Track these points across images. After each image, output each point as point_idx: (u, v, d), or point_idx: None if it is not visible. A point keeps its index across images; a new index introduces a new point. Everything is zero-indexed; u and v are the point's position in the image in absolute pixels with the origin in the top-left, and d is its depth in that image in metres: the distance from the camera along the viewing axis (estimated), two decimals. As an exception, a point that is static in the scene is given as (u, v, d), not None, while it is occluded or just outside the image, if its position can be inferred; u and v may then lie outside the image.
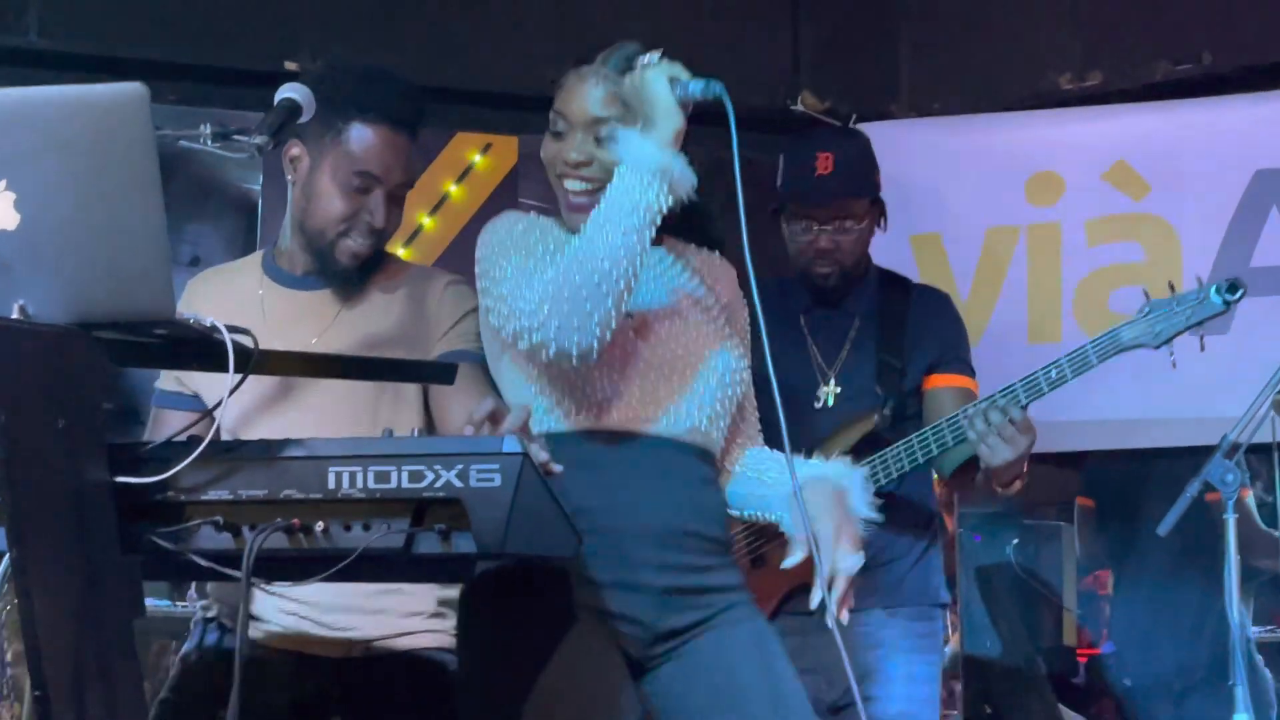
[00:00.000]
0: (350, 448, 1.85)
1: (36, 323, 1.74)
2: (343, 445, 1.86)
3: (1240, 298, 2.74)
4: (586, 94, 2.31)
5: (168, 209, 1.75)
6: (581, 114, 2.30)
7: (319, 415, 2.41)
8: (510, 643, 2.20)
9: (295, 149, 2.49)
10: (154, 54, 4.17)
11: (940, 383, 3.06)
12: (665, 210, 2.18)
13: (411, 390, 2.48)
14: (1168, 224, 4.10)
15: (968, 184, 4.30)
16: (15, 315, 1.73)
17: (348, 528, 1.83)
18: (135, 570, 1.83)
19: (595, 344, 2.17)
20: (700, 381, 2.31)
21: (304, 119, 2.25)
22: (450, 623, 2.48)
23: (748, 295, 2.39)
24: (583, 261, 2.16)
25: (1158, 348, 2.70)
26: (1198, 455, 3.01)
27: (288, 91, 2.22)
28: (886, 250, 3.62)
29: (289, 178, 2.51)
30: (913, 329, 3.09)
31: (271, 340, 2.45)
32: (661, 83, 2.19)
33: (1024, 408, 2.75)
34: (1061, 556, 5.17)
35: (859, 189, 3.08)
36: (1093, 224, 4.18)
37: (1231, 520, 2.86)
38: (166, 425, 2.47)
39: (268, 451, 1.87)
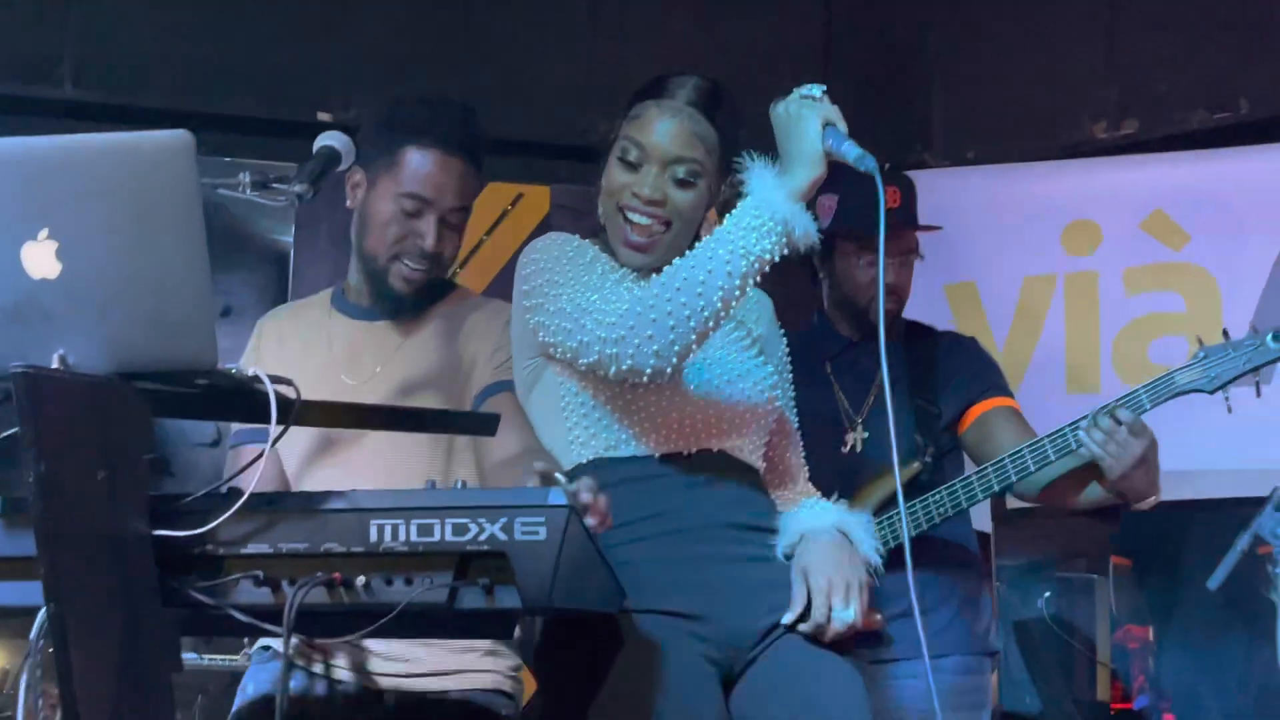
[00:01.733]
0: (392, 500, 1.82)
1: (77, 373, 1.72)
2: (384, 497, 1.83)
3: None
4: (671, 130, 2.24)
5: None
6: (661, 149, 2.23)
7: (381, 456, 2.39)
8: (596, 664, 2.12)
9: (357, 175, 2.49)
10: (186, 104, 4.19)
11: (985, 408, 3.03)
12: (776, 262, 2.10)
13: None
14: (1208, 274, 4.07)
15: (1003, 233, 4.27)
16: (56, 365, 1.71)
17: (389, 582, 1.79)
18: (174, 625, 1.81)
19: (669, 370, 2.11)
20: (733, 405, 2.25)
21: (342, 167, 2.25)
22: (505, 661, 2.45)
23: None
24: (680, 290, 2.08)
25: (1213, 392, 2.65)
26: (1242, 506, 2.96)
27: (327, 139, 2.21)
28: (921, 299, 3.59)
29: (350, 204, 2.52)
30: (944, 371, 3.07)
31: (336, 372, 2.47)
32: (814, 125, 2.09)
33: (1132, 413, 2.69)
34: (1095, 609, 5.11)
35: (917, 221, 3.10)
36: (1131, 273, 4.15)
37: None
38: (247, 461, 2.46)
39: (308, 504, 1.84)
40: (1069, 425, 2.77)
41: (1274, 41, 4.19)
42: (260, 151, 4.24)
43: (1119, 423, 2.66)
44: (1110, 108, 4.34)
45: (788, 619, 2.16)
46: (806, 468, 2.46)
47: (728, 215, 2.10)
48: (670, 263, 2.14)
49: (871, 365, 3.06)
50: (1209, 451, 3.85)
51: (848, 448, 3.04)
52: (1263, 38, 4.19)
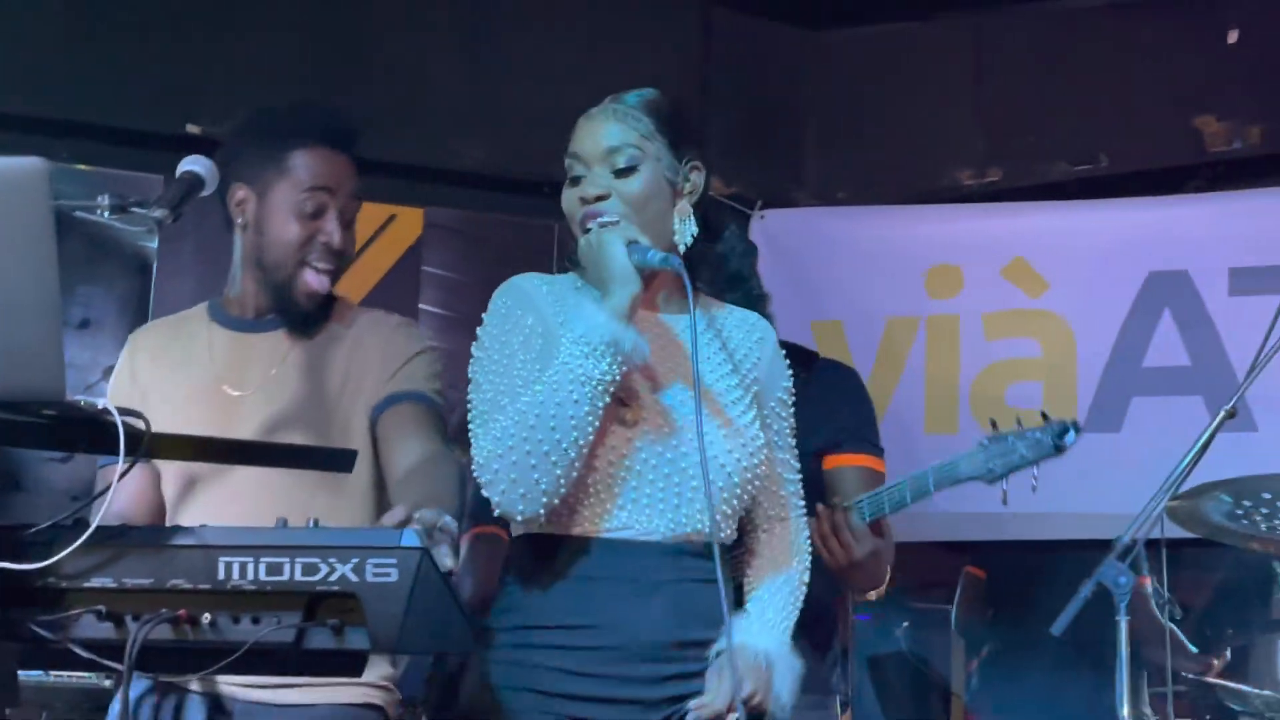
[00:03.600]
0: (241, 537, 1.79)
1: (-82, 400, 1.67)
2: (234, 534, 1.80)
3: (1074, 442, 2.76)
4: (598, 129, 2.24)
5: (59, 269, 1.69)
6: (595, 149, 2.23)
7: (267, 483, 2.35)
8: None
9: (240, 192, 2.48)
10: (51, 112, 4.10)
11: (841, 462, 2.99)
12: (617, 381, 2.12)
13: (360, 434, 2.44)
14: (1064, 322, 4.18)
15: (869, 273, 4.35)
16: (-104, 392, 1.66)
17: (236, 620, 1.77)
18: (12, 659, 1.76)
19: (540, 511, 2.13)
20: (708, 480, 2.15)
21: (206, 192, 2.22)
22: (377, 672, 2.43)
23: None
24: (535, 427, 2.10)
25: (991, 483, 2.69)
26: (1092, 549, 3.03)
27: (190, 165, 2.19)
28: (790, 336, 3.62)
29: (238, 221, 2.50)
30: (810, 408, 3.04)
31: (219, 384, 2.44)
32: (618, 246, 2.15)
33: (865, 519, 2.74)
34: (950, 640, 5.19)
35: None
36: (991, 318, 4.24)
37: (1124, 622, 2.87)
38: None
39: (155, 538, 1.81)
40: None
41: (1132, 101, 4.34)
42: (125, 162, 4.17)
43: (848, 526, 2.71)
44: (977, 156, 4.45)
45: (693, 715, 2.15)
46: (785, 522, 2.38)
47: (567, 343, 2.14)
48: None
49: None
50: (1059, 496, 3.95)
51: None
52: (1122, 98, 4.33)
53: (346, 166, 2.50)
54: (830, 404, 2.99)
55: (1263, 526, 2.64)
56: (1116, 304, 4.12)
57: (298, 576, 1.75)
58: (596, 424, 2.13)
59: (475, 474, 2.15)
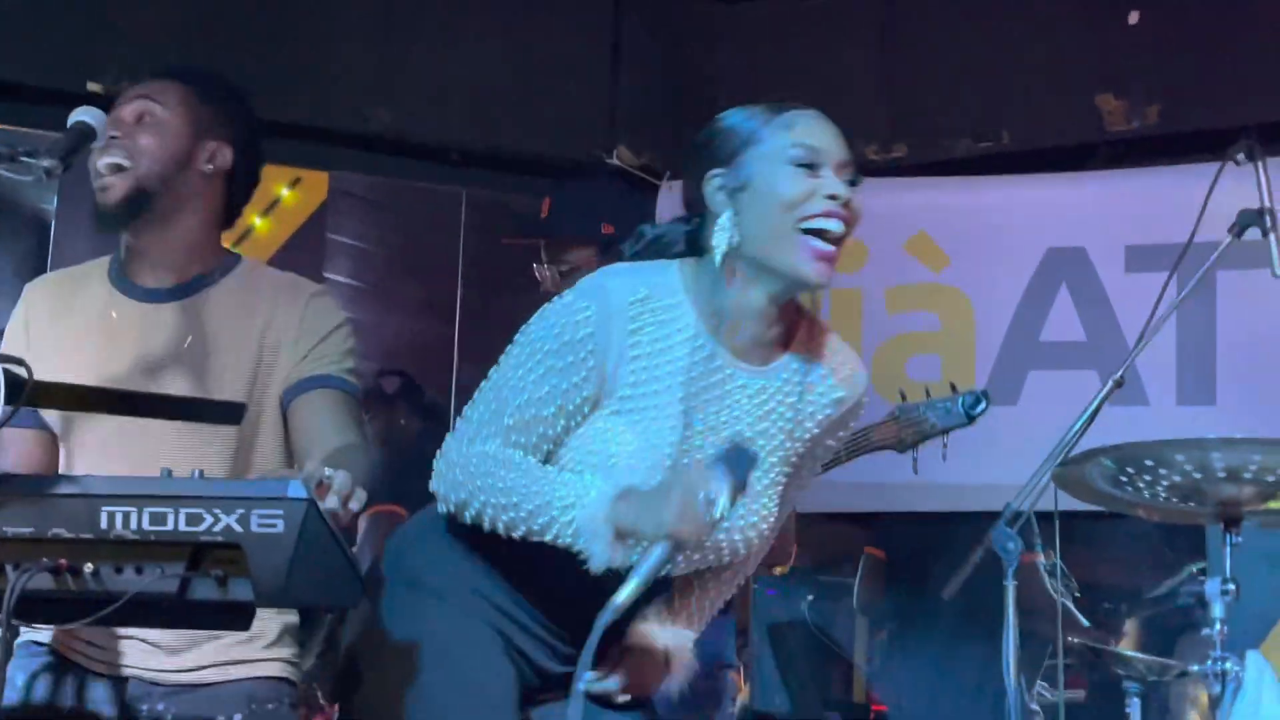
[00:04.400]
0: (124, 487, 1.78)
1: None
2: (116, 484, 1.79)
3: (984, 411, 2.80)
4: (836, 135, 2.13)
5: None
6: (837, 153, 2.11)
7: (166, 443, 2.30)
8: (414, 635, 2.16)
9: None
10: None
11: None
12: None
13: (271, 414, 2.39)
14: (964, 296, 4.23)
15: (775, 246, 4.37)
16: None
17: (119, 570, 1.76)
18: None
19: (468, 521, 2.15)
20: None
21: (99, 143, 2.18)
22: (288, 650, 2.41)
23: None
24: (506, 501, 2.09)
25: (902, 452, 2.72)
26: (988, 521, 3.09)
27: (81, 115, 2.16)
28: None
29: None
30: None
31: (122, 355, 2.36)
32: (695, 507, 1.92)
33: None
34: (854, 614, 5.25)
35: (566, 231, 3.11)
36: (892, 292, 4.29)
37: (1011, 587, 2.93)
38: (6, 446, 2.38)
39: (37, 487, 1.80)
40: None
41: (1034, 79, 4.40)
42: (24, 119, 4.10)
43: None
44: (882, 131, 4.49)
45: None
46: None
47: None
48: None
49: None
50: (957, 467, 4.02)
51: None
52: (1025, 76, 4.39)
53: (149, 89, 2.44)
54: None
55: (1145, 493, 2.70)
56: (1015, 279, 4.18)
57: (181, 527, 1.75)
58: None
59: (438, 457, 2.14)
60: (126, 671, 2.35)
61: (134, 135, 2.38)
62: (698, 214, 2.18)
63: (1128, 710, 3.45)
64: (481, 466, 2.11)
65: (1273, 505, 3.07)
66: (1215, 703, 2.84)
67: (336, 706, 3.11)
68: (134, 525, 1.75)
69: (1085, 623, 4.50)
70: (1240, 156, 2.85)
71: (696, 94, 4.70)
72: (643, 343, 2.09)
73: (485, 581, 2.21)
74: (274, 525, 1.75)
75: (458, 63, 4.51)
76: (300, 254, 4.54)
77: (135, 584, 1.75)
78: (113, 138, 2.34)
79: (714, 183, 2.13)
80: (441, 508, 2.21)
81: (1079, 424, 2.76)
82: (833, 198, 2.08)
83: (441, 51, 4.49)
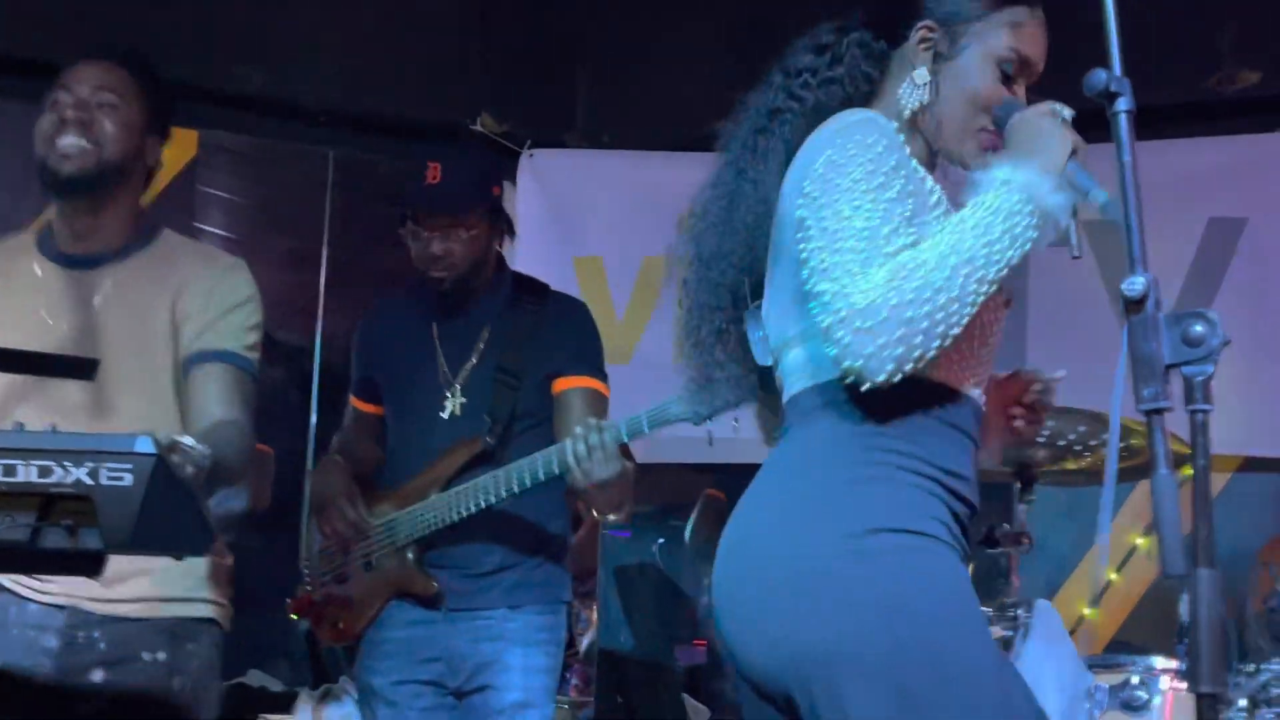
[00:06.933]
0: (-24, 439, 1.86)
1: None
2: (-32, 436, 1.87)
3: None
4: (1044, 49, 2.06)
5: None
6: (1036, 71, 2.07)
7: (63, 405, 2.41)
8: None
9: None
10: None
11: (566, 385, 3.12)
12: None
13: (167, 378, 2.51)
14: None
15: (629, 214, 4.54)
16: None
17: (-30, 519, 1.85)
18: None
19: (893, 379, 1.86)
20: None
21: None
22: (220, 590, 2.54)
23: None
24: (922, 288, 1.84)
25: (698, 424, 2.82)
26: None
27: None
28: (554, 269, 3.79)
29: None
30: (540, 337, 3.14)
31: (42, 316, 2.48)
32: (1066, 147, 1.90)
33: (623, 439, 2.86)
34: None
35: (464, 199, 3.08)
36: (737, 260, 4.45)
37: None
38: None
39: (-110, 438, 1.86)
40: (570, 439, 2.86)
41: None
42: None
43: (602, 445, 2.82)
44: (738, 106, 4.63)
45: None
46: None
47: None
48: None
49: (473, 329, 3.13)
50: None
51: (446, 413, 3.10)
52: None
53: (104, 67, 2.57)
54: (560, 333, 3.15)
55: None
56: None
57: (33, 478, 1.83)
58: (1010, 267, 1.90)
59: (834, 321, 1.87)
60: (64, 601, 2.46)
61: (97, 118, 2.52)
62: (882, 39, 2.12)
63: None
64: (904, 283, 1.85)
65: (1067, 465, 3.34)
66: (1008, 644, 3.10)
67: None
68: (-13, 476, 1.85)
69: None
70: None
71: (560, 64, 4.82)
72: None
73: (938, 494, 2.02)
74: (122, 479, 1.85)
75: (327, 25, 4.57)
76: (171, 204, 4.60)
77: (-13, 531, 1.86)
78: (75, 115, 2.49)
79: (924, 38, 2.08)
80: (865, 391, 1.89)
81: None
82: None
83: (312, 13, 4.54)
